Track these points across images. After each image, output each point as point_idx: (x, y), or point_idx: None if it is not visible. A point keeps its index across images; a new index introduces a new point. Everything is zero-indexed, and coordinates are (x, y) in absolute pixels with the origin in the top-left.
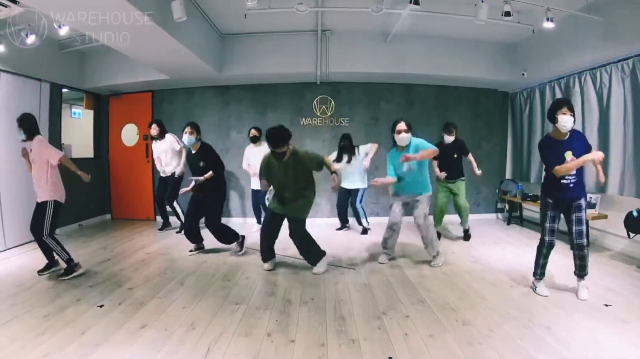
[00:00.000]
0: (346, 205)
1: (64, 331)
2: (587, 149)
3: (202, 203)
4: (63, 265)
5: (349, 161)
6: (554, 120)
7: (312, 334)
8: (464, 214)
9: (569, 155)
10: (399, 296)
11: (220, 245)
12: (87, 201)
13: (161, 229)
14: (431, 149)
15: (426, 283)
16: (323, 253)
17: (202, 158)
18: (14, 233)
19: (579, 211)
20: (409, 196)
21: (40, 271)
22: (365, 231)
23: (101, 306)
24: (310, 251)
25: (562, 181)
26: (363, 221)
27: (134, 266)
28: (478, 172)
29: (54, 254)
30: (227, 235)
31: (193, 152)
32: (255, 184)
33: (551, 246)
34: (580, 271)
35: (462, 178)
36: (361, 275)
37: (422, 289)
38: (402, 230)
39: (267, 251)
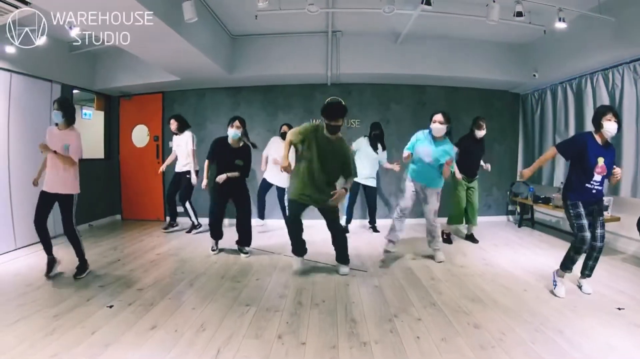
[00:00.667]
0: (354, 200)
1: (73, 331)
2: (612, 166)
3: (237, 198)
4: (59, 260)
5: (383, 149)
6: (599, 126)
7: (323, 336)
8: (476, 214)
9: (600, 161)
10: (411, 299)
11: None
12: (98, 202)
13: (166, 229)
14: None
15: (438, 286)
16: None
17: (241, 156)
18: (24, 232)
19: (601, 214)
20: (421, 185)
21: (47, 275)
22: (376, 229)
23: (111, 306)
24: (344, 248)
25: (586, 184)
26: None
27: (144, 267)
28: (486, 166)
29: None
30: (250, 233)
31: (232, 146)
32: (270, 176)
33: (587, 242)
34: (591, 271)
35: (477, 177)
36: (372, 277)
37: (433, 291)
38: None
39: (301, 245)
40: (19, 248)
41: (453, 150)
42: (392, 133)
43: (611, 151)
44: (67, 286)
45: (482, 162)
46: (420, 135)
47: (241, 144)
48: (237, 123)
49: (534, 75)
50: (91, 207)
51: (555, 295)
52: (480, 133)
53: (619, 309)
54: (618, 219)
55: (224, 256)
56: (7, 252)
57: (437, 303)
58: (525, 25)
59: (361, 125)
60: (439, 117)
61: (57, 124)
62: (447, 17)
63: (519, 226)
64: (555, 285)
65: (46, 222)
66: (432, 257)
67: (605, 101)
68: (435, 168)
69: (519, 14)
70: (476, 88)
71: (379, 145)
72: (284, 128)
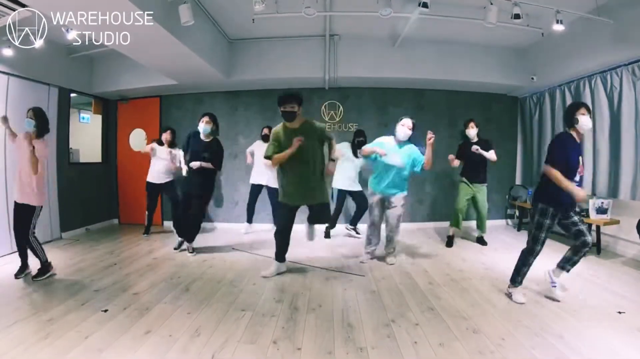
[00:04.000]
0: (341, 208)
1: (68, 336)
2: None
3: (194, 191)
4: (35, 266)
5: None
6: (573, 121)
7: (319, 342)
8: (484, 222)
9: (580, 159)
10: (409, 304)
11: (224, 250)
12: (95, 206)
13: (146, 232)
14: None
15: (436, 291)
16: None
17: (209, 149)
18: None
19: (579, 213)
20: (384, 194)
21: (17, 275)
22: (358, 233)
23: (105, 310)
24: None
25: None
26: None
27: (140, 271)
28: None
29: (32, 255)
30: (194, 231)
31: (204, 140)
32: (257, 178)
33: (538, 254)
34: (571, 266)
35: (486, 184)
36: (370, 282)
37: (432, 296)
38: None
39: (285, 250)
40: (15, 252)
41: (414, 147)
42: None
43: (579, 146)
44: (63, 290)
45: (483, 153)
46: (383, 141)
47: (211, 138)
48: (206, 118)
49: (532, 79)
50: (88, 211)
51: (517, 303)
52: (471, 132)
53: (620, 312)
54: (617, 222)
55: (220, 261)
56: (4, 256)
57: (436, 307)
58: (523, 28)
59: (359, 129)
60: (409, 122)
61: (27, 131)
62: (445, 21)
63: (518, 229)
64: (512, 295)
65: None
66: (430, 260)
67: (604, 104)
68: (402, 171)
69: (517, 16)
70: (474, 92)
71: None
72: (265, 130)
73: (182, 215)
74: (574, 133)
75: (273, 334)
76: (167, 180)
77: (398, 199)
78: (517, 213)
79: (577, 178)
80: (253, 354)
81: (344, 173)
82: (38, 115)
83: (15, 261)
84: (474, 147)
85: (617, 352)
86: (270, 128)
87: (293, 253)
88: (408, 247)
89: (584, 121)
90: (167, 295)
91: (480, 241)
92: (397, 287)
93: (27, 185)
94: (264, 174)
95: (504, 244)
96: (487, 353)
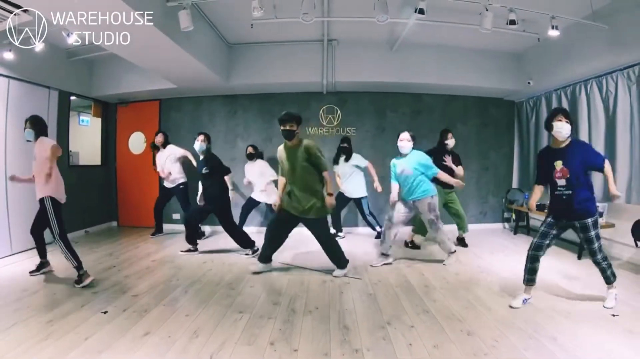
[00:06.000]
0: (340, 211)
1: (68, 337)
2: (592, 162)
3: (213, 211)
4: (54, 265)
5: (347, 159)
6: (549, 128)
7: (316, 343)
8: (465, 223)
9: (558, 164)
10: (404, 307)
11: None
12: (94, 208)
13: (154, 234)
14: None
15: (432, 293)
16: (347, 261)
17: (206, 164)
18: (20, 238)
19: (585, 231)
20: (411, 201)
21: (31, 272)
22: (379, 235)
23: (105, 312)
24: (335, 253)
25: (555, 193)
26: (377, 227)
27: (139, 274)
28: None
29: (63, 257)
30: (243, 238)
31: (201, 158)
32: (258, 196)
33: (537, 248)
34: (607, 281)
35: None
36: (367, 285)
37: (427, 299)
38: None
39: (268, 254)
40: (15, 254)
41: (421, 154)
42: (388, 141)
43: (579, 148)
44: (62, 292)
45: (452, 166)
46: (394, 162)
47: (206, 155)
48: (201, 137)
49: (529, 83)
50: (87, 214)
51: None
52: (451, 143)
53: (613, 315)
54: (613, 225)
55: (219, 264)
56: (4, 257)
57: (431, 310)
58: (519, 33)
59: (357, 132)
60: (406, 135)
61: (28, 141)
62: (442, 26)
63: (515, 233)
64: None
65: (41, 230)
66: (427, 263)
67: (600, 108)
68: (414, 178)
69: (512, 22)
70: (472, 96)
71: (343, 156)
72: (249, 149)
73: (193, 222)
74: (553, 140)
75: (270, 335)
76: (178, 182)
77: (422, 205)
78: (513, 217)
79: (561, 182)
80: (250, 355)
81: (343, 182)
82: (35, 123)
83: (14, 263)
84: (447, 159)
85: (610, 354)
86: (254, 147)
87: (291, 255)
88: (406, 251)
89: (556, 127)
90: (166, 297)
91: (462, 242)
92: (394, 290)
93: (40, 182)
94: (262, 194)
95: (501, 247)
96: (481, 355)
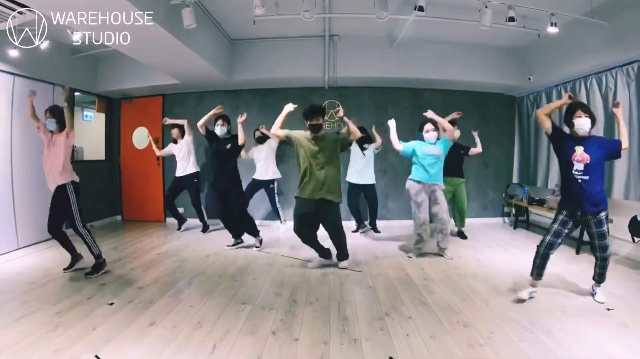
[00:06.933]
0: (358, 201)
1: (75, 328)
2: (613, 149)
3: (227, 199)
4: (87, 260)
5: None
6: (570, 125)
7: (316, 333)
8: (464, 217)
9: (579, 149)
10: (402, 298)
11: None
12: (98, 203)
13: (179, 228)
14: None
15: (430, 286)
16: (348, 255)
17: (230, 142)
18: (26, 232)
19: (599, 226)
20: (428, 184)
21: (66, 268)
22: (377, 231)
23: (111, 304)
24: (342, 243)
25: (569, 174)
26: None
27: (144, 267)
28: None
29: (87, 248)
30: (252, 224)
31: (222, 138)
32: (263, 175)
33: (550, 246)
34: (600, 278)
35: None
36: (366, 277)
37: (425, 291)
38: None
39: (319, 248)
40: (21, 248)
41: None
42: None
43: (596, 139)
44: (69, 284)
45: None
46: (420, 143)
47: (228, 137)
48: (220, 121)
49: (529, 79)
50: (92, 208)
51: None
52: (456, 134)
53: (609, 309)
54: (611, 221)
55: (222, 256)
56: (10, 251)
57: (428, 302)
58: (519, 29)
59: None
60: (430, 125)
61: (51, 131)
62: (442, 22)
63: (514, 227)
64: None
65: (60, 225)
66: (426, 256)
67: (599, 104)
68: (440, 161)
69: (512, 19)
70: (472, 92)
71: (366, 146)
72: (257, 133)
73: (225, 214)
74: (573, 134)
75: (272, 325)
76: (190, 172)
77: (439, 189)
78: (513, 212)
79: (579, 166)
80: (252, 344)
81: (353, 168)
82: (55, 112)
83: (20, 257)
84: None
85: (604, 347)
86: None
87: (292, 249)
88: (406, 245)
89: (577, 124)
90: (170, 288)
91: (461, 235)
92: (392, 282)
93: (56, 172)
94: (269, 171)
95: (500, 242)
96: (477, 346)
